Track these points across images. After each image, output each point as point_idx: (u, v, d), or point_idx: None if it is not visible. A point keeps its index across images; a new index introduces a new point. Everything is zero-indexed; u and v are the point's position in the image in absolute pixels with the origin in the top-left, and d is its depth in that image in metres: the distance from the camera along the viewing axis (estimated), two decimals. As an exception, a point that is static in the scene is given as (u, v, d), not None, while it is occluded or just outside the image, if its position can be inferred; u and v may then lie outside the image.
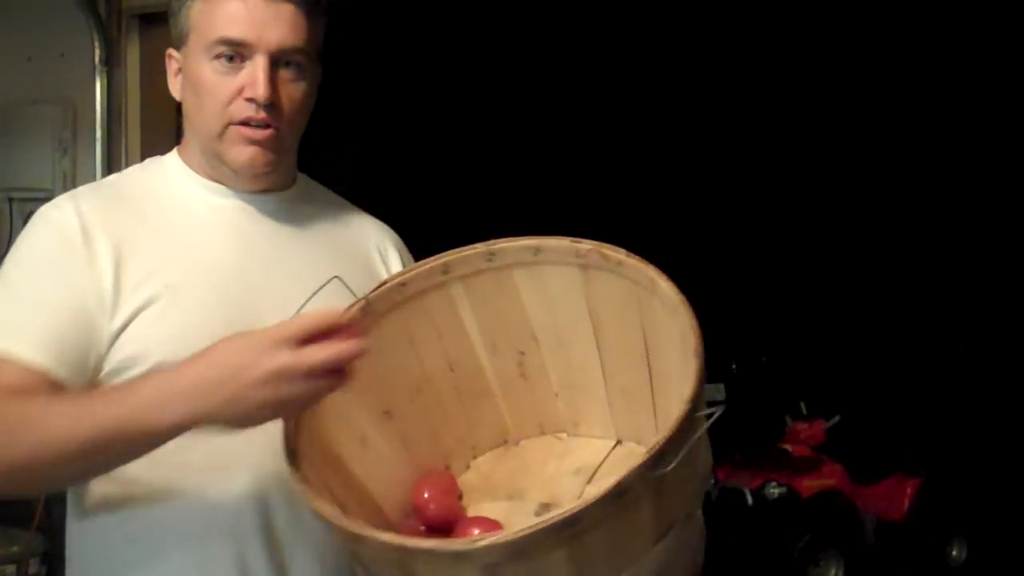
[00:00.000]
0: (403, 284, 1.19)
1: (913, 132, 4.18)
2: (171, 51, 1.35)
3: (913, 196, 4.14)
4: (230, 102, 1.27)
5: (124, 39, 3.08)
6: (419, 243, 1.49)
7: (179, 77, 1.35)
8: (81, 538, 1.33)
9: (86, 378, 1.20)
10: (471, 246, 1.19)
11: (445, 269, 1.20)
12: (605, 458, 1.29)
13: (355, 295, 1.18)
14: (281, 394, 1.03)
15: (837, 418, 4.67)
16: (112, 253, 1.22)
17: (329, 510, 1.01)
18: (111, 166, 3.02)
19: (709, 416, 0.97)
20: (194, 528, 1.27)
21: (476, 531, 1.11)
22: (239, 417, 1.06)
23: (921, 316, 4.06)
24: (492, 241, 1.19)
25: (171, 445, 1.12)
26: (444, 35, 4.42)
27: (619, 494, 0.90)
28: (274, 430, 1.13)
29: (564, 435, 1.34)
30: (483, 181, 4.72)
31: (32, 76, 3.20)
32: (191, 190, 1.37)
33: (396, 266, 1.44)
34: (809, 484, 4.47)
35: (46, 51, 3.18)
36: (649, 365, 1.20)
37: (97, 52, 3.03)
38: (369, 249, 1.45)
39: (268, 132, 1.28)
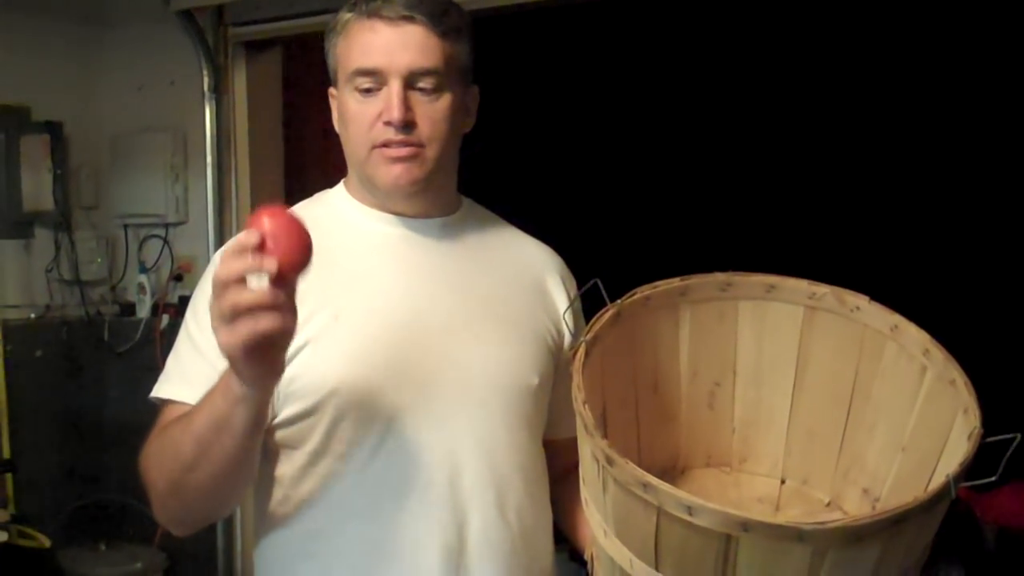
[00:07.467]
0: (648, 298, 1.26)
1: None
2: (331, 90, 1.45)
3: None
4: (371, 127, 1.35)
5: (231, 67, 3.17)
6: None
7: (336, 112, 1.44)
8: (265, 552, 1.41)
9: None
10: (712, 274, 1.28)
11: (683, 291, 1.27)
12: (780, 491, 1.37)
13: (608, 301, 1.24)
14: (236, 330, 1.04)
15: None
16: None
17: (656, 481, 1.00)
18: (222, 190, 3.08)
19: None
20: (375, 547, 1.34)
21: None
22: (234, 365, 1.08)
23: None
24: (732, 272, 1.28)
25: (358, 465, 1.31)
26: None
27: (938, 498, 0.96)
28: (456, 453, 1.33)
29: (728, 469, 1.40)
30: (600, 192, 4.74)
31: (143, 105, 3.30)
32: (356, 219, 1.44)
33: (558, 293, 1.50)
34: (926, 492, 4.29)
35: (156, 80, 3.29)
36: (849, 409, 1.28)
37: (205, 80, 3.13)
38: (534, 273, 1.51)
39: (409, 150, 1.35)
